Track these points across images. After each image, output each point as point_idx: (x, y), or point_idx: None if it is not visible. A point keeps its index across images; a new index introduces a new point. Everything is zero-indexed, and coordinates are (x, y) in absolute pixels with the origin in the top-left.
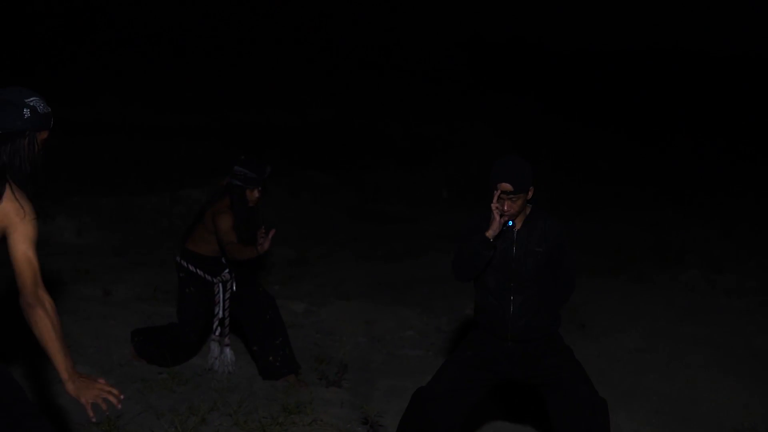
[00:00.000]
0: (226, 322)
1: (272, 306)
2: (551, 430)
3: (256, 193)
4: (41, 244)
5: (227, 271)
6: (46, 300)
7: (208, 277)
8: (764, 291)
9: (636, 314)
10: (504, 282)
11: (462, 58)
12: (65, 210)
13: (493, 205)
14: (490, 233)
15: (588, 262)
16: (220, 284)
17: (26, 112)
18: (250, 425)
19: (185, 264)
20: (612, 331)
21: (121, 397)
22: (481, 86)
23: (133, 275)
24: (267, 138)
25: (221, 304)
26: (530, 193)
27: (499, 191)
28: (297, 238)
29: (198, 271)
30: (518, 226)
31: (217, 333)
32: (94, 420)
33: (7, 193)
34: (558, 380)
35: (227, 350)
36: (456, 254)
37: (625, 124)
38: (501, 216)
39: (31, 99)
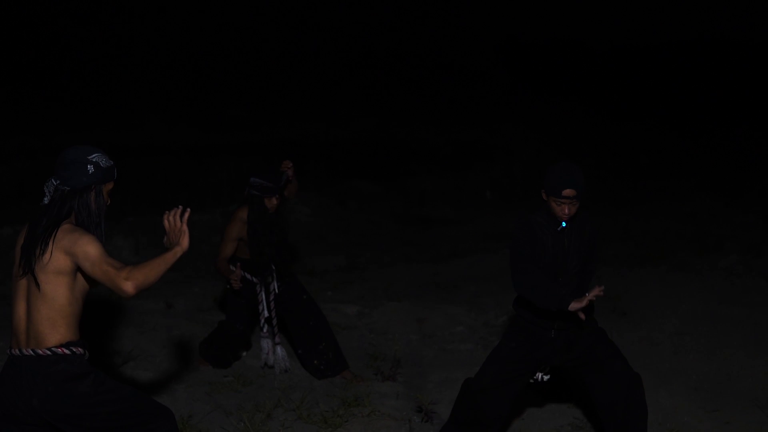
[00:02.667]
0: (274, 321)
1: (316, 312)
2: (590, 408)
3: (274, 201)
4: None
5: (271, 273)
6: (128, 283)
7: (248, 277)
8: None
9: (675, 300)
10: (552, 277)
11: (499, 62)
12: (122, 230)
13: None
14: (574, 306)
15: (629, 253)
16: (263, 285)
17: (90, 168)
18: (312, 418)
19: (230, 265)
20: (652, 317)
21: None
22: (519, 88)
23: (191, 288)
24: (311, 150)
25: (264, 304)
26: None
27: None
28: (346, 245)
29: (242, 271)
30: (568, 225)
31: (264, 330)
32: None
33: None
34: (593, 359)
35: (279, 348)
36: (522, 270)
37: (663, 118)
38: (562, 224)
39: (94, 155)
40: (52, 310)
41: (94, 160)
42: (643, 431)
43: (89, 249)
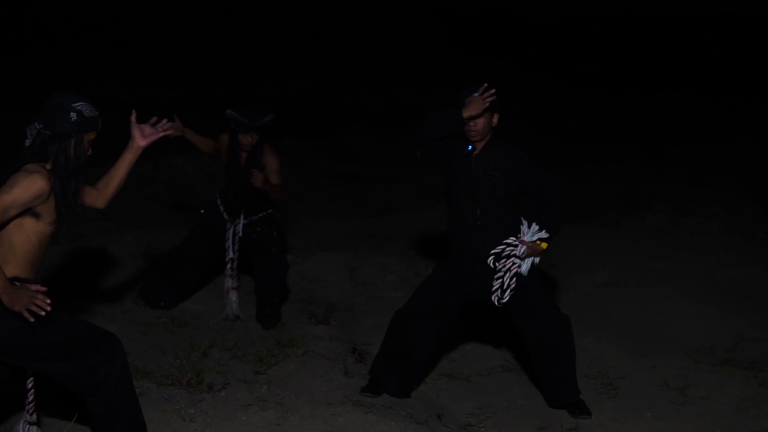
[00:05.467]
0: (235, 264)
1: (279, 267)
2: (520, 350)
3: (249, 138)
4: None
5: (238, 213)
6: None
7: (221, 209)
8: (727, 230)
9: (604, 254)
10: (468, 204)
11: (433, 27)
12: None
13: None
14: (468, 111)
15: None
16: (232, 224)
17: (73, 115)
18: (248, 358)
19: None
20: (582, 269)
21: (48, 301)
22: (453, 52)
23: (125, 236)
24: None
25: (230, 243)
26: (495, 120)
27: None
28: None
29: (219, 203)
30: (477, 151)
31: (228, 271)
32: (32, 321)
33: None
34: (522, 300)
35: (233, 293)
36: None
37: (593, 83)
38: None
39: (78, 104)
40: (2, 248)
41: (78, 108)
42: (570, 373)
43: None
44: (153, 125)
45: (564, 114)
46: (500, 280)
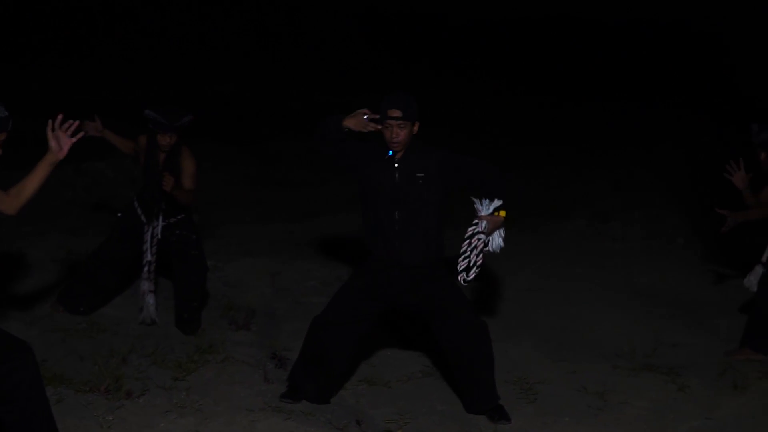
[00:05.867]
0: (152, 266)
1: (199, 271)
2: (441, 355)
3: (167, 138)
4: None
5: (155, 216)
6: None
7: (138, 212)
8: (647, 237)
9: (526, 260)
10: (390, 209)
11: (357, 31)
12: None
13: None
14: (348, 122)
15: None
16: (150, 227)
17: None
18: (167, 364)
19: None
20: (503, 274)
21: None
22: (377, 57)
23: (44, 240)
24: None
25: (148, 246)
26: (416, 128)
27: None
28: (199, 204)
29: (137, 205)
30: (399, 155)
31: (144, 274)
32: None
33: None
34: (441, 307)
35: (150, 296)
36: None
37: (516, 88)
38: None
39: None
40: None
41: None
42: (489, 378)
43: None
44: (60, 126)
45: (487, 119)
46: (466, 260)
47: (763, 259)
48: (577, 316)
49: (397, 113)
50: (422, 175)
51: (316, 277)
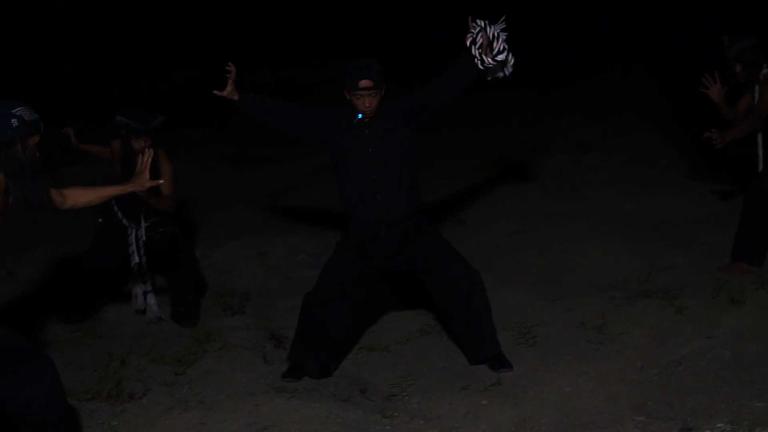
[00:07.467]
0: (144, 267)
1: (188, 263)
2: (437, 312)
3: (142, 142)
4: None
5: (137, 219)
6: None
7: (119, 215)
8: (630, 161)
9: (509, 203)
10: (366, 171)
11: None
12: None
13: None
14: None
15: (461, 166)
16: (134, 230)
17: (14, 121)
18: (166, 360)
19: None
20: (488, 221)
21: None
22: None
23: (30, 254)
24: (133, 104)
25: (134, 248)
26: (382, 92)
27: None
28: (181, 192)
29: (116, 209)
30: (368, 117)
31: (135, 277)
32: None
33: None
34: (431, 261)
35: (150, 296)
36: None
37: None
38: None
39: (17, 109)
40: None
41: (17, 113)
42: (488, 325)
43: None
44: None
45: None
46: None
47: (760, 168)
48: (568, 252)
49: (368, 83)
50: (393, 130)
51: (304, 251)
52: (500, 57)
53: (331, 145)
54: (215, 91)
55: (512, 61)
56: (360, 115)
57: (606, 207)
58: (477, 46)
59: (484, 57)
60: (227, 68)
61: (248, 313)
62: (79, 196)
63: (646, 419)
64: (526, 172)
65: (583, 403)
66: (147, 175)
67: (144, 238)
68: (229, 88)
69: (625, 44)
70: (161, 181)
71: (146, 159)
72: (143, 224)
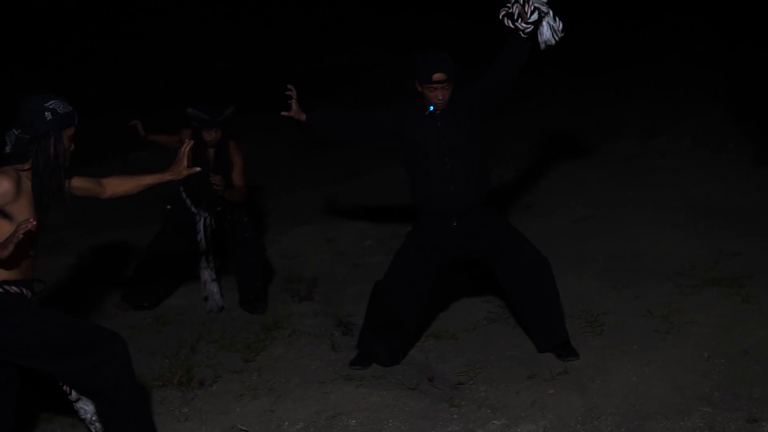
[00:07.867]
0: (211, 256)
1: (257, 251)
2: (504, 301)
3: (212, 134)
4: None
5: (205, 207)
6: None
7: (188, 203)
8: (697, 146)
9: (577, 188)
10: (440, 162)
11: None
12: None
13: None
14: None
15: (525, 149)
16: (202, 217)
17: (48, 115)
18: (236, 347)
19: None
20: (556, 207)
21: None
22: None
23: (100, 239)
24: (185, 94)
25: (202, 236)
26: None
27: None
28: (253, 177)
29: (185, 196)
30: (440, 108)
31: (203, 263)
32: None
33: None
34: (501, 249)
35: (214, 285)
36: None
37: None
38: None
39: (51, 102)
40: None
41: (51, 106)
42: (557, 314)
43: None
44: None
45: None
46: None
47: None
48: (635, 239)
49: (442, 77)
50: (463, 121)
51: (372, 236)
52: (533, 17)
53: (403, 139)
54: (282, 113)
55: (560, 25)
56: (432, 108)
57: (672, 193)
58: (514, 18)
59: (518, 25)
60: (287, 92)
61: (316, 299)
62: (117, 186)
63: (711, 410)
64: (592, 156)
65: (649, 393)
66: (185, 163)
67: (212, 225)
68: (295, 107)
69: (681, 29)
70: (198, 169)
71: (184, 149)
72: (211, 212)
